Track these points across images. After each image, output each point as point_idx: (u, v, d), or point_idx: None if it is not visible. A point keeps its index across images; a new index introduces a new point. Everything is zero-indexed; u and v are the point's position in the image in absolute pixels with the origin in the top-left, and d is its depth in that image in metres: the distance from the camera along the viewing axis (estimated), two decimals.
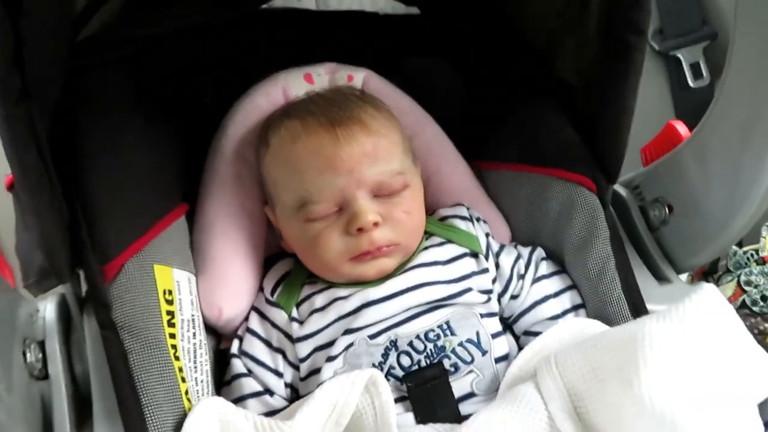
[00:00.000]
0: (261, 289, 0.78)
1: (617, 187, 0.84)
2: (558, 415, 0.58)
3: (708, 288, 0.58)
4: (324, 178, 0.70)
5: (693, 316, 0.56)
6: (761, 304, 0.82)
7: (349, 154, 0.70)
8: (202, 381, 0.69)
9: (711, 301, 0.57)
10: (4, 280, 0.59)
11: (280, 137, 0.74)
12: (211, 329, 0.76)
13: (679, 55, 1.27)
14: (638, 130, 0.73)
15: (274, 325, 0.75)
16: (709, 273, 0.91)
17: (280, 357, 0.74)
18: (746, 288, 0.84)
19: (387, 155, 0.72)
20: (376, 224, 0.70)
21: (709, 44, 1.28)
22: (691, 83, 1.27)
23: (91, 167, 0.66)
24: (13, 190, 0.71)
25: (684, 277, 0.80)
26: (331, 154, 0.70)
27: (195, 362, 0.68)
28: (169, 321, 0.65)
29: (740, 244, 0.90)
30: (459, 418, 0.67)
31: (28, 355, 0.58)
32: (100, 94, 0.72)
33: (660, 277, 0.78)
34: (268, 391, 0.72)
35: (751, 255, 0.87)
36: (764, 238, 0.88)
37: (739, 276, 0.85)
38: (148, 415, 0.59)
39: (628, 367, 0.54)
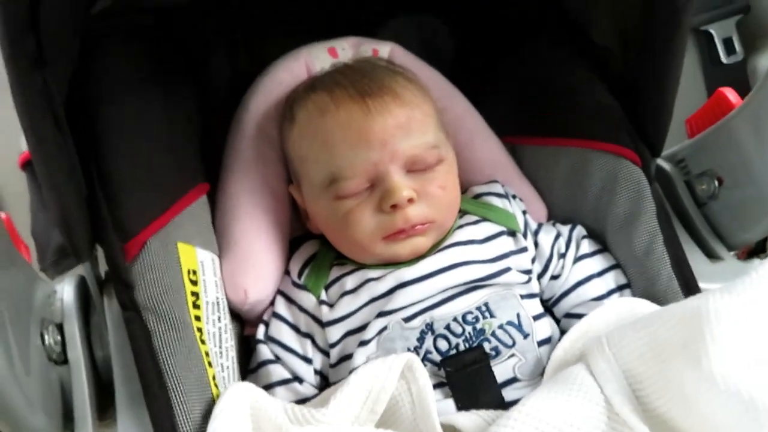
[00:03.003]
0: (287, 272, 0.74)
1: (660, 162, 0.80)
2: (615, 398, 0.54)
3: None
4: (356, 152, 0.66)
5: (761, 289, 0.52)
6: None
7: (381, 127, 0.66)
8: (227, 367, 0.65)
9: None
10: (20, 256, 0.55)
11: (307, 111, 0.70)
12: (234, 314, 0.72)
13: (711, 30, 1.22)
14: None
15: (302, 309, 0.71)
16: (756, 252, 0.86)
17: (308, 342, 0.70)
18: None
19: (421, 127, 0.68)
20: (410, 200, 0.66)
21: (742, 18, 1.22)
22: (723, 59, 1.22)
23: (110, 140, 0.62)
24: (28, 167, 0.68)
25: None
26: (363, 127, 0.66)
27: (221, 347, 0.65)
28: (194, 302, 0.61)
29: None
30: (503, 404, 0.63)
31: (46, 337, 0.55)
32: (117, 66, 0.68)
33: (710, 255, 0.73)
34: (297, 379, 0.69)
35: None
36: None
37: None
38: (175, 401, 0.55)
39: (695, 344, 0.50)
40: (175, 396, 0.55)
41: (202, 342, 0.60)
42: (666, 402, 0.52)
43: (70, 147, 0.57)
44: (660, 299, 0.67)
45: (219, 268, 0.70)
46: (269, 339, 0.71)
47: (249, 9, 0.84)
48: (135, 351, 0.56)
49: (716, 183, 0.73)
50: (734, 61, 1.22)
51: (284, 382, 0.68)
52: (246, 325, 0.75)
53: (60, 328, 0.57)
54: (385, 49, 0.81)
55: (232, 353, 0.67)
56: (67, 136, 0.56)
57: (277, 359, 0.70)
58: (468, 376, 0.64)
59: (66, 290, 0.59)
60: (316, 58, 0.79)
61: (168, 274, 0.60)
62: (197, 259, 0.64)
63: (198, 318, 0.61)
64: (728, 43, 1.22)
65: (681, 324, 0.53)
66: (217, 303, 0.66)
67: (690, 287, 0.68)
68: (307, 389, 0.69)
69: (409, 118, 0.67)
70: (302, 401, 0.66)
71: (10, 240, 0.53)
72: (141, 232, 0.60)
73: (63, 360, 0.57)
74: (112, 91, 0.65)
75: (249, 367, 0.71)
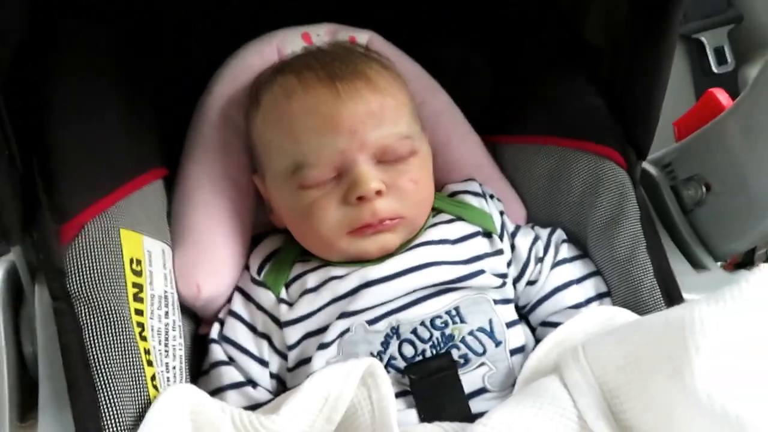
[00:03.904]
0: (247, 267, 0.69)
1: (646, 166, 0.76)
2: (589, 413, 0.50)
3: (766, 269, 0.50)
4: (322, 138, 0.62)
5: (750, 300, 0.48)
6: None
7: (351, 113, 0.61)
8: (174, 367, 0.60)
9: None
10: None
11: (273, 94, 0.66)
12: (189, 312, 0.68)
13: (703, 39, 1.20)
14: None
15: (260, 308, 0.66)
16: (744, 264, 0.82)
17: (265, 343, 0.65)
18: None
19: (394, 116, 0.64)
20: (379, 193, 0.62)
21: (734, 28, 1.20)
22: (714, 68, 1.19)
23: (54, 116, 0.57)
24: None
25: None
26: (331, 112, 0.61)
27: (166, 345, 0.59)
28: (135, 295, 0.56)
29: None
30: (469, 417, 0.59)
31: None
32: (71, 40, 0.64)
33: (695, 264, 0.70)
34: (251, 382, 0.64)
35: None
36: None
37: None
38: (103, 401, 0.50)
39: (678, 357, 0.46)
40: (104, 395, 0.50)
41: (143, 338, 0.55)
42: (644, 418, 0.48)
43: (5, 119, 0.52)
44: (641, 309, 0.64)
45: (171, 259, 0.65)
46: (223, 339, 0.66)
47: None
48: (63, 345, 0.51)
49: (704, 189, 0.69)
50: (725, 71, 1.20)
51: (237, 385, 0.64)
52: (201, 323, 0.70)
53: None
54: (363, 37, 0.77)
55: (181, 352, 0.62)
56: (1, 108, 0.51)
57: (231, 360, 0.65)
58: (433, 385, 0.60)
59: None
60: (288, 43, 0.74)
61: (106, 262, 0.55)
62: (143, 248, 0.59)
63: (139, 312, 0.56)
64: (720, 53, 1.20)
65: (664, 335, 0.49)
66: (165, 297, 0.61)
67: (673, 297, 0.64)
68: (261, 394, 0.64)
69: (382, 105, 0.63)
70: (255, 407, 0.61)
71: None
72: (79, 215, 0.54)
73: None
74: (60, 67, 0.61)
75: (202, 368, 0.66)
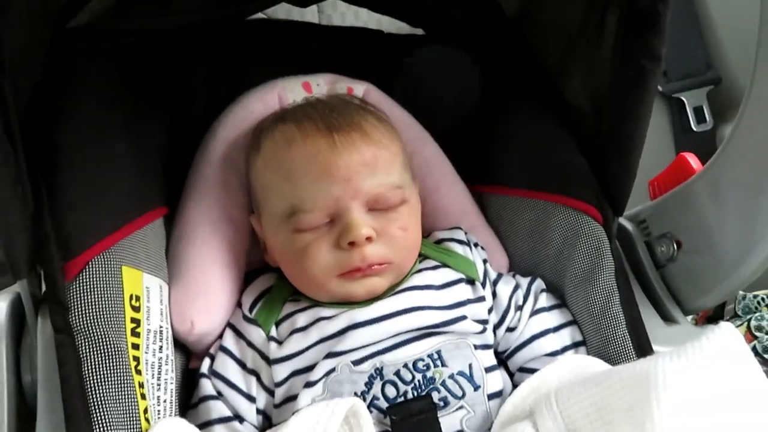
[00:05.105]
0: (239, 304, 0.72)
1: (622, 221, 0.80)
2: None
3: (725, 327, 0.54)
4: (318, 185, 0.65)
5: (710, 355, 0.52)
6: None
7: (347, 162, 0.65)
8: (165, 401, 0.62)
9: (729, 340, 0.52)
10: None
11: (273, 141, 0.70)
12: (181, 346, 0.70)
13: (683, 98, 1.26)
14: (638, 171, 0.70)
15: (250, 344, 0.69)
16: (714, 318, 0.86)
17: (253, 380, 0.68)
18: (757, 334, 0.79)
19: (386, 167, 0.68)
20: (369, 239, 0.65)
21: (713, 89, 1.27)
22: (693, 127, 1.25)
23: (64, 156, 0.61)
24: None
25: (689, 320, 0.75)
26: (328, 161, 0.65)
27: (159, 379, 0.62)
28: (133, 329, 0.59)
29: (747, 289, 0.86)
30: None
31: None
32: (85, 83, 0.67)
33: (666, 318, 0.73)
34: (238, 417, 0.66)
35: (762, 299, 0.83)
36: None
37: (749, 321, 0.81)
38: None
39: (640, 408, 0.49)
40: (99, 427, 0.52)
41: (138, 372, 0.57)
42: None
43: (20, 158, 0.55)
44: (613, 359, 0.67)
45: (167, 295, 0.68)
46: (213, 373, 0.68)
47: (234, 42, 0.85)
48: (62, 377, 0.53)
49: (675, 246, 0.73)
50: (704, 130, 1.26)
51: (224, 419, 0.66)
52: (192, 358, 0.73)
53: None
54: (360, 88, 0.81)
55: (172, 386, 0.64)
56: (17, 146, 0.54)
57: (220, 395, 0.67)
58: (414, 426, 0.62)
59: None
60: (290, 91, 0.79)
61: (107, 298, 0.58)
62: (143, 284, 0.62)
63: (136, 346, 0.58)
64: (699, 112, 1.26)
65: (629, 386, 0.52)
66: (160, 332, 0.64)
67: (644, 349, 0.67)
68: (247, 429, 0.66)
69: (376, 156, 0.67)
70: None
71: None
72: (84, 252, 0.57)
73: None
74: (73, 108, 0.64)
75: (191, 401, 0.68)
